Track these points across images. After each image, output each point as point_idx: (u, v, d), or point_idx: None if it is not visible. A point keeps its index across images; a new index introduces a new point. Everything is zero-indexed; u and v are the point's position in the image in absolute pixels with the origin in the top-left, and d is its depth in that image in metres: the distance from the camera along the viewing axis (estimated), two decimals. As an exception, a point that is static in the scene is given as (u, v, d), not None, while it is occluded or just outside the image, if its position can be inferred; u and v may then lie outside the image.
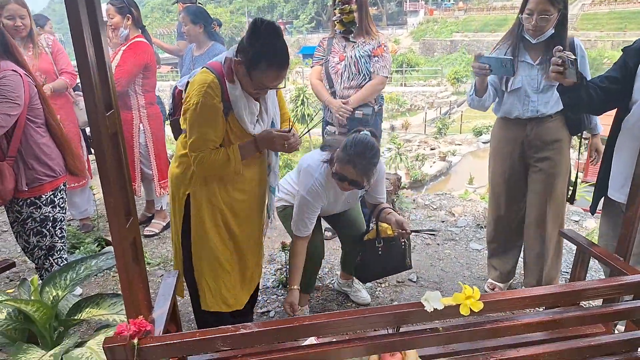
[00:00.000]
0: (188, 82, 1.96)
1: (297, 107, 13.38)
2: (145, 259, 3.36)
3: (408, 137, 20.52)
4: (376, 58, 3.06)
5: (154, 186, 3.77)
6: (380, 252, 2.49)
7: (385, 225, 2.50)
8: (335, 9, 2.19)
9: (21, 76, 2.33)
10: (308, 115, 14.03)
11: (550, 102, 2.39)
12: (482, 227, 3.95)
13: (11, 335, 1.73)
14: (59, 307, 1.80)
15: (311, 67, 3.44)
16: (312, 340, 1.56)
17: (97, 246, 3.50)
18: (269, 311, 2.87)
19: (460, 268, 3.33)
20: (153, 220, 3.95)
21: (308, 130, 2.40)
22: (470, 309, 1.37)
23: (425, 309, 1.35)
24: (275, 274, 3.25)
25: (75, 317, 1.72)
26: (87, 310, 1.76)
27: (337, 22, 2.22)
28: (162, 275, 3.29)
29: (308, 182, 2.33)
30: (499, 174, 2.69)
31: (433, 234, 2.77)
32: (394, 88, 27.54)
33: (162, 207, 3.91)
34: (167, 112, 2.20)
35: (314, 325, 1.31)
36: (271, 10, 54.63)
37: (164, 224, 3.92)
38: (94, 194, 3.83)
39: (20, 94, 2.31)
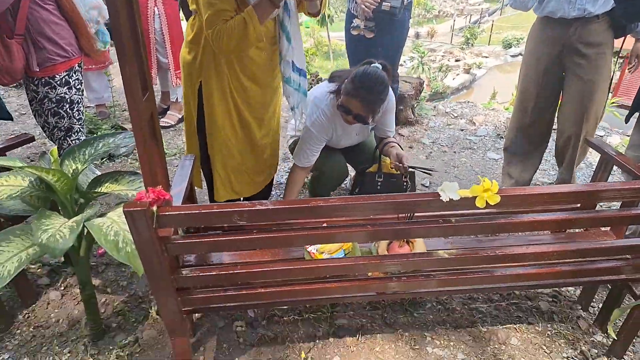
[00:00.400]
0: None
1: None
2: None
3: (433, 46, 19.62)
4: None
5: (169, 76, 3.70)
6: (378, 187, 2.41)
7: (388, 160, 2.40)
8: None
9: None
10: (328, 16, 13.33)
11: (600, 0, 2.19)
12: (502, 137, 3.88)
13: (34, 203, 1.79)
14: (79, 181, 1.83)
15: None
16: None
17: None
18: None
19: (474, 176, 3.32)
20: (168, 112, 3.94)
21: None
22: (487, 202, 1.36)
23: (440, 198, 1.34)
24: (289, 171, 3.28)
25: (95, 190, 1.76)
26: (106, 185, 1.79)
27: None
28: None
29: (313, 114, 2.27)
30: (531, 79, 2.54)
31: (429, 173, 2.67)
32: (423, -9, 25.82)
33: (177, 98, 3.88)
34: None
35: (328, 207, 1.32)
36: None
37: (180, 115, 3.91)
38: (109, 80, 3.78)
39: None
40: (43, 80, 2.47)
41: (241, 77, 1.99)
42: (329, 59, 13.81)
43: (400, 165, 2.26)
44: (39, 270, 2.25)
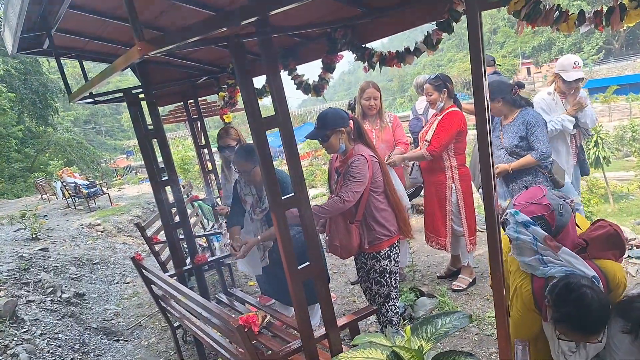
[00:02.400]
0: None
1: (590, 149, 11.94)
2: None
3: None
4: None
5: (463, 241, 3.98)
6: None
7: None
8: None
9: (366, 159, 2.87)
10: (604, 158, 12.37)
11: None
12: None
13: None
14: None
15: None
16: None
17: (413, 295, 3.88)
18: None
19: None
20: (460, 276, 4.15)
21: None
22: None
23: None
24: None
25: (437, 368, 1.97)
26: (443, 363, 1.99)
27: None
28: (477, 333, 3.41)
29: None
30: None
31: None
32: None
33: (469, 262, 4.08)
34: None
35: None
36: (548, 48, 51.18)
37: (470, 279, 4.07)
38: (410, 247, 4.29)
39: (365, 173, 2.85)
40: (371, 254, 3.03)
41: None
42: (609, 202, 12.55)
43: None
44: None
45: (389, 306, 3.14)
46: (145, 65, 3.46)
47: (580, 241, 2.04)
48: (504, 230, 2.11)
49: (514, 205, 2.13)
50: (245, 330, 2.03)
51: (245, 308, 3.48)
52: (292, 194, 2.03)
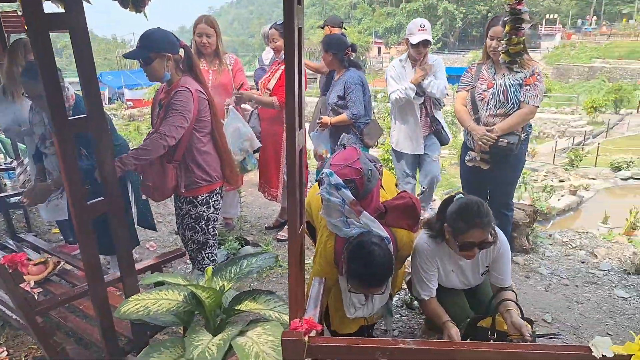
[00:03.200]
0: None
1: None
2: (279, 261, 3.61)
3: (534, 166, 19.18)
4: (528, 87, 2.97)
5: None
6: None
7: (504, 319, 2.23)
8: (502, 39, 2.17)
9: (191, 92, 2.60)
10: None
11: None
12: (629, 273, 3.60)
13: (182, 317, 1.98)
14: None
15: (456, 92, 3.45)
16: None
17: (237, 244, 3.82)
18: (392, 330, 2.90)
19: (602, 315, 3.07)
20: (287, 226, 4.22)
21: None
22: (644, 362, 1.28)
23: (592, 354, 1.29)
24: (399, 294, 3.27)
25: (237, 308, 1.92)
26: (245, 302, 1.95)
27: (502, 52, 2.18)
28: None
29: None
30: None
31: (557, 338, 2.43)
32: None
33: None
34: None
35: (471, 352, 1.32)
36: (398, 31, 54.92)
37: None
38: (241, 197, 4.20)
39: (189, 107, 2.59)
40: (187, 199, 2.82)
41: None
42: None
43: (521, 337, 2.04)
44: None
45: (205, 254, 2.99)
46: None
47: (381, 207, 2.18)
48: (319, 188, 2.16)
49: (331, 165, 2.18)
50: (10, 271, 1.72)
51: (40, 257, 3.03)
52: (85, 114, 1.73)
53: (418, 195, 4.26)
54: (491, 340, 2.21)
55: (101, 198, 1.92)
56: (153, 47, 2.53)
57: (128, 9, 2.69)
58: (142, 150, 2.55)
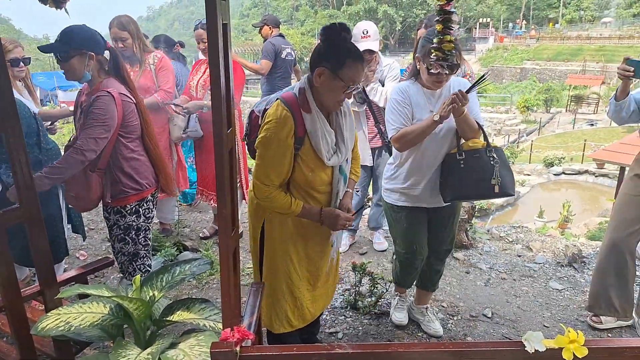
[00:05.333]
0: (265, 110, 2.02)
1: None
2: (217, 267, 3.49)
3: (473, 165, 19.98)
4: (461, 86, 3.02)
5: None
6: (462, 165, 2.29)
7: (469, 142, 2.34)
8: (434, 38, 2.18)
9: (113, 97, 2.39)
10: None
11: None
12: (562, 265, 3.76)
13: (109, 330, 1.84)
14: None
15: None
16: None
17: (175, 250, 3.65)
18: (337, 332, 2.87)
19: (539, 308, 3.18)
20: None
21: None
22: (574, 354, 1.30)
23: (525, 348, 1.30)
24: (343, 294, 3.24)
25: (168, 319, 1.81)
26: (178, 312, 1.84)
27: (434, 50, 2.19)
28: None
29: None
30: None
31: (484, 78, 2.41)
32: (461, 114, 26.95)
33: (236, 218, 4.05)
34: (244, 132, 2.26)
35: (408, 353, 1.30)
36: (340, 32, 55.35)
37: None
38: (178, 202, 4.02)
39: (112, 115, 2.37)
40: (115, 208, 2.61)
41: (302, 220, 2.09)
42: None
43: (456, 96, 2.15)
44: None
45: (136, 265, 2.77)
46: None
47: None
48: None
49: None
50: None
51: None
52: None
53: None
54: (461, 162, 2.31)
55: (16, 206, 1.76)
56: (73, 43, 2.34)
57: (47, 4, 2.48)
58: (57, 168, 2.33)
